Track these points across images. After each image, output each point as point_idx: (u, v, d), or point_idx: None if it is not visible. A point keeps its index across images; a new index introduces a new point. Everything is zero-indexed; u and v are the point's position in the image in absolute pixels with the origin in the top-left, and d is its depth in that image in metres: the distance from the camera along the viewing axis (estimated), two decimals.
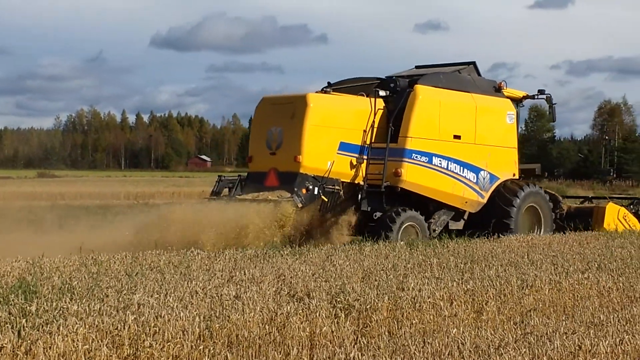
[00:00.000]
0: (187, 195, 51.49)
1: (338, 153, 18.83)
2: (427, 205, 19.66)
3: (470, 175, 20.23)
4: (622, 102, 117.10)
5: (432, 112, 19.67)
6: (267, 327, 8.46)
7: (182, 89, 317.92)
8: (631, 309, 10.65)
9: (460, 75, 20.95)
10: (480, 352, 7.88)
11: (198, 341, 7.91)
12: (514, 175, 21.35)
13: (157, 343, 7.66)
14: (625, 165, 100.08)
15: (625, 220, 22.83)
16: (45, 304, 8.51)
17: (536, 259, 14.14)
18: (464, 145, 20.19)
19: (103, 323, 7.70)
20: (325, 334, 8.68)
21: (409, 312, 9.63)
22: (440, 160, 19.64)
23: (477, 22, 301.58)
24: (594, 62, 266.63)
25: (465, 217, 20.58)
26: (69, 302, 8.61)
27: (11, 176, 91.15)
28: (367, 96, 19.68)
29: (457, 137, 20.13)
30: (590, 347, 7.85)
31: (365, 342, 8.53)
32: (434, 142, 19.58)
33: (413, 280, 11.05)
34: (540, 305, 10.86)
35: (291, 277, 11.18)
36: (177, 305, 8.67)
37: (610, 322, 9.64)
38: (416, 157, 19.23)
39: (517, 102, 22.45)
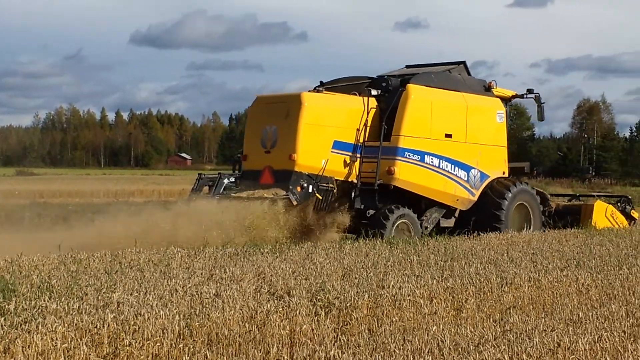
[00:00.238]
0: (167, 193, 51.38)
1: (332, 151, 19.05)
2: (419, 203, 19.92)
3: (462, 174, 20.49)
4: (601, 101, 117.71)
5: (424, 111, 19.92)
6: (247, 325, 8.45)
7: (162, 87, 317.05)
8: (610, 306, 10.71)
9: (451, 75, 21.20)
10: (460, 349, 7.90)
11: (178, 339, 7.90)
12: (503, 173, 21.64)
13: (136, 341, 7.64)
14: (604, 163, 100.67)
15: (613, 217, 23.09)
16: (23, 302, 8.47)
17: (516, 256, 14.19)
18: (455, 144, 20.45)
19: (82, 322, 7.67)
20: (306, 332, 8.69)
21: (389, 310, 9.65)
22: (432, 159, 19.90)
23: (457, 21, 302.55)
24: (573, 61, 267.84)
25: (456, 214, 20.85)
26: (47, 301, 8.57)
27: None
28: (359, 95, 19.88)
29: (448, 135, 20.38)
30: (569, 344, 7.88)
31: (345, 340, 8.53)
32: (426, 140, 19.85)
33: (393, 278, 11.07)
34: (520, 303, 10.90)
35: (271, 275, 11.18)
36: (156, 304, 8.65)
37: (589, 319, 9.69)
38: (409, 155, 19.48)
39: (506, 101, 22.78)
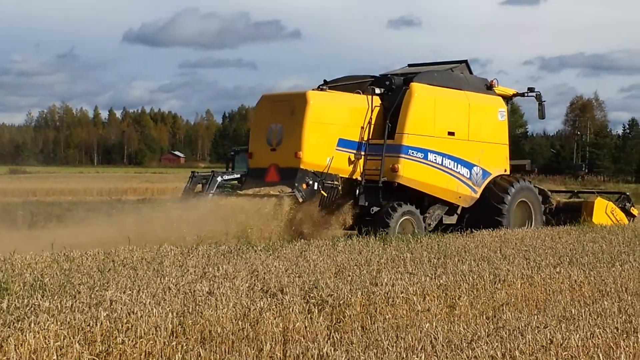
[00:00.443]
0: (160, 191, 51.33)
1: (337, 149, 19.24)
2: (422, 200, 20.11)
3: (464, 171, 20.67)
4: (594, 98, 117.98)
5: (427, 109, 20.10)
6: (240, 322, 8.45)
7: (155, 85, 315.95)
8: (602, 302, 10.73)
9: (454, 74, 21.39)
10: (452, 346, 7.91)
11: (171, 337, 7.89)
12: (505, 170, 21.83)
13: (129, 339, 7.64)
14: (597, 160, 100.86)
15: (613, 214, 23.28)
16: (16, 301, 8.46)
17: (509, 253, 14.21)
18: (457, 142, 20.64)
19: (75, 320, 7.66)
20: (299, 330, 8.69)
21: (382, 307, 9.66)
22: (435, 156, 20.06)
23: (450, 18, 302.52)
24: (566, 58, 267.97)
25: (459, 211, 21.07)
26: (40, 299, 8.57)
27: None
28: (362, 94, 20.07)
29: (451, 133, 20.56)
30: (561, 341, 7.89)
31: (338, 338, 8.54)
32: (429, 138, 20.02)
33: (386, 275, 11.08)
34: (513, 300, 10.92)
35: (264, 273, 11.18)
36: (149, 302, 8.64)
37: (582, 316, 9.71)
38: (412, 153, 19.65)
39: (507, 99, 22.99)
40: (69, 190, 51.55)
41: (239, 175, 28.88)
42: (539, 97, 23.11)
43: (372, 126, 19.67)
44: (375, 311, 9.58)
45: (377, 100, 19.89)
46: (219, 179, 27.99)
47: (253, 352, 7.85)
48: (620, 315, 9.65)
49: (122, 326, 7.76)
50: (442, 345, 7.90)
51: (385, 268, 12.03)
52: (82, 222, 20.85)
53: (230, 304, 8.75)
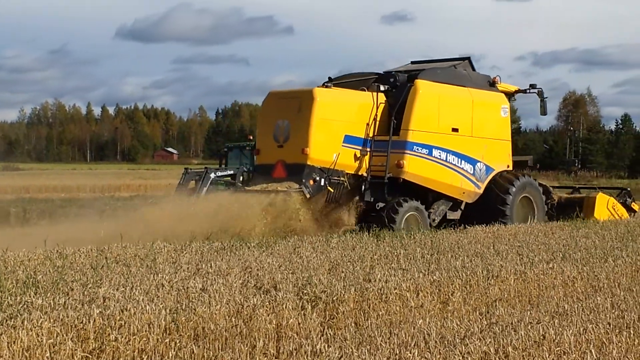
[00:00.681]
0: (153, 187, 51.28)
1: (343, 145, 19.48)
2: (426, 196, 20.35)
3: (468, 167, 20.93)
4: (587, 93, 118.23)
5: (431, 105, 20.37)
6: (233, 319, 8.44)
7: (148, 81, 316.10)
8: (595, 298, 10.75)
9: (457, 70, 21.68)
10: (446, 342, 7.91)
11: (164, 334, 7.88)
12: (508, 166, 22.10)
13: (122, 337, 7.63)
14: (590, 156, 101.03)
15: (614, 209, 23.54)
16: (9, 298, 8.45)
17: (502, 249, 14.22)
18: (461, 138, 20.91)
19: (68, 317, 7.65)
20: (292, 326, 8.69)
21: (375, 304, 9.66)
22: (439, 152, 20.33)
23: (443, 14, 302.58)
24: (559, 54, 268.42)
25: (462, 207, 21.25)
26: (33, 296, 8.55)
27: None
28: (367, 90, 20.30)
29: (455, 130, 20.83)
30: (554, 337, 7.91)
31: (331, 334, 8.54)
32: (433, 134, 20.28)
33: (380, 271, 11.08)
34: (506, 296, 10.93)
35: (258, 270, 11.18)
36: (143, 299, 8.63)
37: (575, 311, 9.72)
38: (417, 149, 19.91)
39: (510, 96, 23.19)
40: (62, 187, 51.51)
41: (232, 172, 28.91)
42: (540, 94, 23.35)
43: (377, 123, 19.92)
44: (369, 307, 9.59)
45: (382, 97, 20.16)
46: (212, 175, 27.96)
47: (246, 348, 7.84)
48: (613, 311, 9.67)
49: (115, 323, 7.75)
50: (435, 341, 7.90)
51: (378, 264, 12.04)
52: (75, 219, 20.85)
53: (223, 301, 8.75)
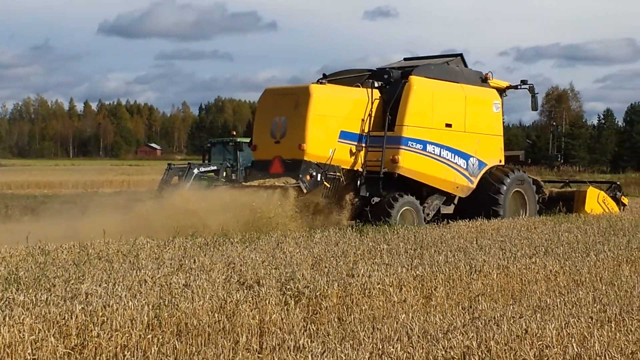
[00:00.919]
0: (137, 183, 51.11)
1: (339, 141, 19.65)
2: (420, 191, 20.51)
3: (461, 162, 21.17)
4: (569, 89, 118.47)
5: (425, 101, 20.58)
6: (216, 315, 8.43)
7: (131, 77, 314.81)
8: (577, 292, 10.80)
9: (450, 67, 21.89)
10: (429, 337, 7.93)
11: (147, 330, 7.86)
12: (500, 161, 22.36)
13: (105, 333, 7.60)
14: (573, 151, 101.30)
15: (605, 203, 23.83)
16: None
17: (485, 244, 14.26)
18: (454, 133, 21.14)
19: (50, 313, 7.62)
20: (275, 321, 8.69)
21: (358, 299, 9.67)
22: (433, 148, 20.53)
23: (426, 9, 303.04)
24: (542, 49, 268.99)
25: (456, 201, 21.50)
26: (15, 293, 8.52)
27: None
28: (361, 87, 20.49)
29: (448, 125, 21.05)
30: (536, 331, 7.94)
31: (314, 329, 8.55)
32: (427, 130, 20.49)
33: (363, 266, 11.10)
34: (489, 290, 10.96)
35: (241, 265, 11.17)
36: (125, 295, 8.61)
37: (557, 305, 9.76)
38: (412, 144, 20.10)
39: (501, 92, 23.36)
40: (45, 183, 51.24)
41: (215, 167, 28.89)
42: (531, 90, 23.62)
43: (372, 119, 20.09)
44: (352, 302, 9.59)
45: (376, 93, 20.31)
46: (196, 171, 27.97)
47: (229, 344, 7.84)
48: (595, 305, 9.71)
49: (97, 319, 7.72)
50: (418, 336, 7.91)
51: (361, 259, 12.05)
52: (56, 215, 20.77)
53: (206, 297, 8.74)
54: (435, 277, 10.66)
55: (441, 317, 8.99)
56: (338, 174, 19.43)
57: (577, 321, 8.40)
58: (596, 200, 23.56)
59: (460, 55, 22.55)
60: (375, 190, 19.66)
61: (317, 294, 9.36)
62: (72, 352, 7.40)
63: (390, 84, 20.54)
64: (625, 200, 25.16)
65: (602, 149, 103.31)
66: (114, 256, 11.99)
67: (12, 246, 12.69)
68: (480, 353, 7.30)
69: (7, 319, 7.34)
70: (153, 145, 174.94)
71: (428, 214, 20.42)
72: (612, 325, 8.33)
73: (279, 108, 19.76)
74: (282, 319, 8.76)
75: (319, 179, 19.09)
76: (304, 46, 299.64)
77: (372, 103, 20.12)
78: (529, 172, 24.77)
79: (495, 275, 11.29)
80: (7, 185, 49.52)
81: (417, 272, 10.72)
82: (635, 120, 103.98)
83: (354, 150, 19.80)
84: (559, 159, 61.54)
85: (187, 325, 8.19)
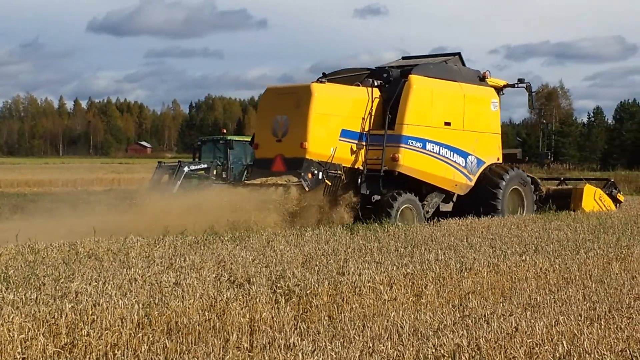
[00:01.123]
0: (127, 181, 51.00)
1: (340, 139, 19.81)
2: (419, 188, 20.71)
3: (460, 160, 21.36)
4: (559, 87, 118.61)
5: (425, 100, 20.76)
6: (206, 313, 8.42)
7: (120, 75, 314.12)
8: (567, 290, 10.83)
9: (448, 66, 22.09)
10: (419, 335, 7.93)
11: (137, 329, 7.85)
12: (498, 159, 22.57)
13: (94, 331, 7.59)
14: (563, 148, 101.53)
15: (601, 200, 24.09)
16: None
17: (475, 242, 14.29)
18: (453, 132, 21.34)
19: (40, 312, 7.60)
20: (265, 320, 8.68)
21: (349, 297, 9.67)
22: (433, 146, 20.72)
23: (416, 7, 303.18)
24: (532, 47, 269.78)
25: (454, 199, 21.77)
26: (4, 292, 8.49)
27: None
28: (361, 85, 20.68)
29: (447, 124, 21.24)
30: (526, 329, 7.95)
31: (305, 327, 8.55)
32: (427, 128, 20.67)
33: (353, 264, 11.10)
34: (479, 288, 10.97)
35: (231, 263, 11.16)
36: (115, 293, 8.60)
37: (547, 303, 9.78)
38: (412, 143, 20.29)
39: (498, 90, 23.56)
40: (34, 182, 51.03)
41: (205, 166, 28.84)
42: (528, 88, 23.90)
43: (373, 117, 20.25)
44: (342, 301, 9.59)
45: (376, 92, 20.46)
46: (186, 169, 27.92)
47: (220, 342, 7.83)
48: (585, 303, 9.74)
49: (87, 318, 7.71)
50: (409, 334, 7.92)
51: (352, 257, 12.05)
52: (48, 213, 20.72)
53: (196, 295, 8.73)
54: (425, 275, 10.67)
55: (431, 315, 9.00)
56: (339, 172, 19.60)
57: (567, 319, 8.43)
58: (593, 198, 23.82)
59: (458, 54, 22.78)
60: (375, 188, 19.82)
61: (308, 292, 9.36)
62: (62, 351, 7.38)
63: (390, 83, 20.74)
64: (621, 197, 25.49)
65: (591, 147, 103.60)
66: (104, 255, 11.97)
67: (1, 245, 12.65)
68: (470, 351, 7.31)
69: None
70: (143, 143, 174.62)
71: (427, 212, 20.62)
72: (602, 322, 8.36)
73: (280, 107, 19.93)
74: (272, 317, 8.76)
75: (320, 177, 19.23)
76: (294, 44, 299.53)
77: (372, 102, 20.28)
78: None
79: (485, 273, 11.30)
80: None
81: (408, 270, 10.73)
82: (624, 118, 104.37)
83: (354, 149, 19.98)
84: (549, 157, 61.64)
85: (177, 324, 8.18)
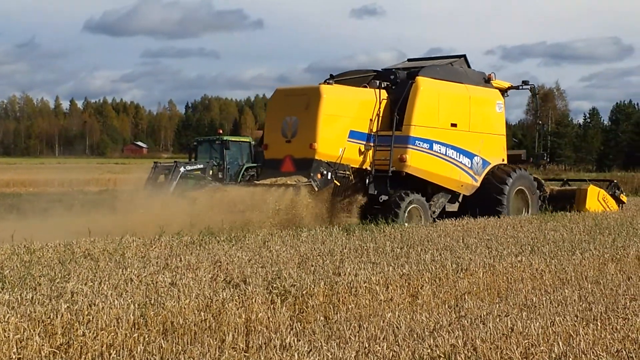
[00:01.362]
0: (123, 182, 50.91)
1: (348, 140, 20.07)
2: (426, 189, 20.98)
3: (466, 161, 21.66)
4: (555, 87, 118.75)
5: (432, 102, 21.04)
6: (202, 313, 8.41)
7: (117, 75, 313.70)
8: (563, 290, 10.83)
9: (454, 68, 22.39)
10: (415, 335, 7.93)
11: (132, 329, 7.84)
12: (503, 160, 22.88)
13: (90, 332, 7.57)
14: (558, 149, 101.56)
15: (605, 201, 24.37)
16: None
17: (471, 242, 14.29)
18: (459, 133, 21.63)
19: (35, 312, 7.58)
20: (261, 320, 8.68)
21: (344, 297, 9.66)
22: (439, 147, 21.03)
23: (413, 7, 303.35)
24: (528, 48, 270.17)
25: (460, 199, 21.98)
26: (0, 292, 8.46)
27: None
28: (368, 87, 20.98)
29: (453, 125, 21.53)
30: (522, 329, 7.96)
31: (301, 328, 8.54)
32: (434, 130, 20.97)
33: (349, 265, 11.09)
34: (475, 289, 10.97)
35: (227, 264, 11.15)
36: (111, 293, 8.59)
37: (542, 304, 9.79)
38: (419, 144, 20.59)
39: (503, 92, 23.83)
40: (30, 182, 50.95)
41: (202, 166, 28.84)
42: (533, 90, 24.44)
43: (380, 118, 20.48)
44: (338, 301, 9.59)
45: (384, 94, 20.68)
46: (182, 169, 27.91)
47: (215, 343, 7.82)
48: (580, 303, 9.75)
49: (83, 318, 7.69)
50: (405, 335, 7.92)
51: (348, 258, 12.04)
52: (44, 214, 20.70)
53: (192, 295, 8.72)
54: (421, 275, 10.67)
55: (427, 316, 9.00)
56: (347, 172, 19.80)
57: (563, 319, 8.43)
58: (596, 198, 24.08)
59: (464, 56, 23.01)
60: (383, 189, 20.05)
61: (304, 292, 9.35)
62: (58, 351, 7.37)
63: (397, 85, 20.99)
64: (624, 198, 25.76)
65: (587, 148, 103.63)
66: (99, 255, 11.95)
67: None
68: (466, 351, 7.31)
69: None
70: (139, 143, 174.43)
71: (434, 212, 20.83)
72: (598, 323, 8.36)
73: (289, 108, 20.15)
74: (268, 318, 8.76)
75: (329, 177, 19.42)
76: (290, 44, 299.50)
77: (380, 103, 20.51)
78: None
79: (481, 273, 11.30)
80: None
81: (404, 271, 10.72)
82: (620, 119, 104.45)
83: (362, 150, 20.21)
84: (545, 158, 61.81)
85: (173, 324, 8.17)
